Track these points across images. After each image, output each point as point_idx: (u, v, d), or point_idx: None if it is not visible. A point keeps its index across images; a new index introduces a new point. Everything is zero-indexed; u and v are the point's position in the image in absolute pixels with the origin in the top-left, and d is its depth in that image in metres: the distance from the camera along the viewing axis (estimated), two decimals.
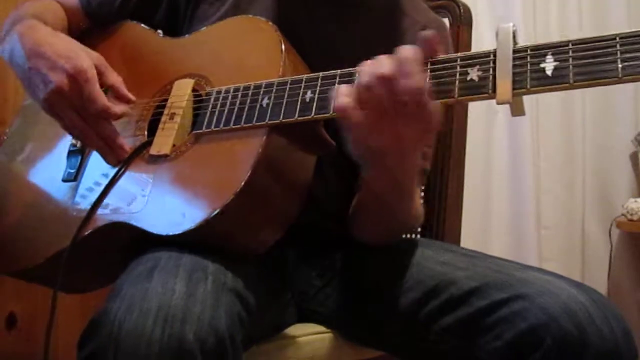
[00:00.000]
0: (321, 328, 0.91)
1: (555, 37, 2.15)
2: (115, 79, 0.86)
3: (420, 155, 0.75)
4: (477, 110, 2.06)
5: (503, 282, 0.73)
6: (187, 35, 0.96)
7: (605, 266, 2.14)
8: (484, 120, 2.14)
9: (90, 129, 0.83)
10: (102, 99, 0.82)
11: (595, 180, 2.19)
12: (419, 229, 1.22)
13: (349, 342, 0.91)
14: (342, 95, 0.68)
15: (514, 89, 0.62)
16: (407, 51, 0.66)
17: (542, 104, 2.18)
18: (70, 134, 0.86)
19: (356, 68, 0.72)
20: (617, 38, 0.58)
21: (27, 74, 0.86)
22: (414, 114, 0.66)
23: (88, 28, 1.06)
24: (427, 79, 0.67)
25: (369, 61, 0.68)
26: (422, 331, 0.79)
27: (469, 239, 1.62)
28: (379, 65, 0.66)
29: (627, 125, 2.15)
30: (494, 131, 2.16)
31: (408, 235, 1.14)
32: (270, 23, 0.85)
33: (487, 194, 2.15)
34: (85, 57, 0.84)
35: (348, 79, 0.73)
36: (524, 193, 2.15)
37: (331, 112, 0.72)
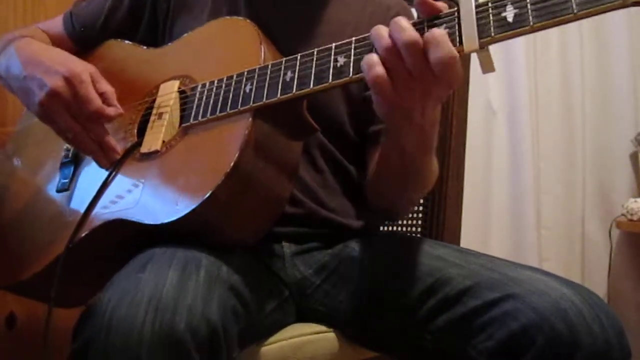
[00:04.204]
0: (321, 328, 0.91)
1: (555, 35, 2.16)
2: (107, 88, 0.87)
3: (440, 105, 0.76)
4: (477, 111, 2.07)
5: (495, 282, 0.73)
6: (170, 44, 0.99)
7: (605, 266, 2.14)
8: (484, 120, 2.14)
9: (83, 132, 0.85)
10: (97, 100, 0.84)
11: (595, 180, 2.19)
12: (419, 229, 1.22)
13: (348, 342, 0.91)
14: (374, 66, 0.68)
15: (480, 38, 0.65)
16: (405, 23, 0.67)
17: (542, 104, 2.18)
18: (64, 138, 0.88)
19: (367, 34, 0.72)
20: None
21: (23, 82, 0.88)
22: (445, 75, 0.66)
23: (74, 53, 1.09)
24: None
25: (381, 27, 0.69)
26: (419, 331, 0.79)
27: (469, 239, 1.62)
28: (403, 30, 0.66)
29: (627, 125, 2.15)
30: (494, 131, 2.17)
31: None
32: (248, 20, 0.88)
33: (487, 194, 2.15)
34: (79, 64, 0.88)
35: (325, 54, 0.75)
36: (524, 193, 2.15)
37: (312, 87, 0.74)
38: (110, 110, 0.85)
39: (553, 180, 2.19)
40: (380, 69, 0.67)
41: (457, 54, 0.65)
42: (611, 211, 2.14)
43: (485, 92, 2.12)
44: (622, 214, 2.05)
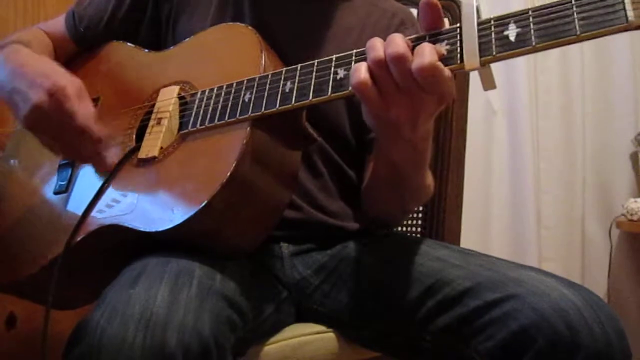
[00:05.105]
0: (321, 328, 0.92)
1: None
2: (88, 108, 0.84)
3: (432, 120, 0.74)
4: (477, 111, 2.07)
5: (496, 282, 0.73)
6: (171, 47, 0.99)
7: (605, 266, 2.14)
8: (484, 120, 2.14)
9: (69, 146, 0.84)
10: (82, 114, 0.82)
11: (595, 180, 2.19)
12: (419, 229, 1.22)
13: (348, 342, 0.91)
14: (359, 72, 0.68)
15: (481, 56, 0.64)
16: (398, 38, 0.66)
17: (542, 104, 2.18)
18: (52, 150, 0.87)
19: (352, 51, 0.73)
20: (573, 0, 0.61)
21: (10, 94, 0.87)
22: (431, 87, 0.66)
23: (76, 53, 1.09)
24: (444, 48, 0.67)
25: (376, 39, 0.68)
26: (418, 331, 0.79)
27: (469, 239, 1.62)
28: (393, 43, 0.66)
29: (627, 125, 2.15)
30: (494, 131, 2.17)
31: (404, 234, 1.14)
32: (250, 27, 0.88)
33: (487, 194, 2.15)
34: (64, 77, 0.85)
35: (325, 66, 0.75)
36: (524, 193, 2.15)
37: (310, 99, 0.74)
38: (96, 132, 0.83)
39: (553, 180, 2.19)
40: (364, 76, 0.67)
41: (439, 63, 0.65)
42: (611, 211, 2.14)
43: (485, 92, 2.11)
44: (622, 214, 2.05)
